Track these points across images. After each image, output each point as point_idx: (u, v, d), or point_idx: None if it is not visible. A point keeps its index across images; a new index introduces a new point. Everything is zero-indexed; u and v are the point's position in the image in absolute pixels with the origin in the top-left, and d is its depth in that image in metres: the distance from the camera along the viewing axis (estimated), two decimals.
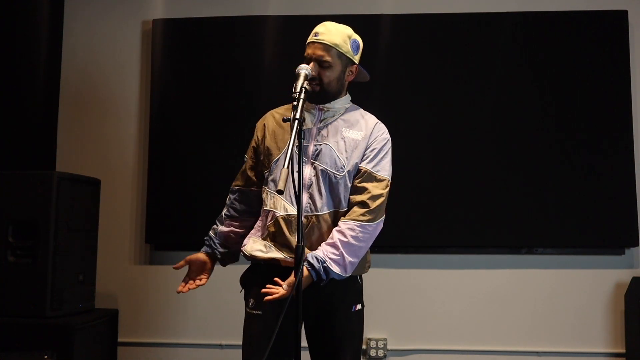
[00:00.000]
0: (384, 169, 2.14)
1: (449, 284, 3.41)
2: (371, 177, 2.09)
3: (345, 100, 2.20)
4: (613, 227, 3.30)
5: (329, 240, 2.02)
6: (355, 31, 2.32)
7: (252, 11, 3.55)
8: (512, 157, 3.37)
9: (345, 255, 2.00)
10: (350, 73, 2.19)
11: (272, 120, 2.22)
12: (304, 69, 2.00)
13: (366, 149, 2.13)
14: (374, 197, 2.06)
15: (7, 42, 3.45)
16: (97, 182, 3.24)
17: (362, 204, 2.05)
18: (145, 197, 3.53)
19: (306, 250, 2.03)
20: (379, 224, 2.08)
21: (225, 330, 3.41)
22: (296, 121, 1.79)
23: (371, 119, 2.21)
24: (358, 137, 2.13)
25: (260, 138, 2.22)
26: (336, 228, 2.04)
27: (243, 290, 2.18)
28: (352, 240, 2.00)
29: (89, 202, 3.17)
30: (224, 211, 2.29)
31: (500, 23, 3.44)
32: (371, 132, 2.16)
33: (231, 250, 2.28)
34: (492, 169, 3.38)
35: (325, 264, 1.98)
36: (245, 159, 2.28)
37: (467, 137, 3.40)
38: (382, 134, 2.18)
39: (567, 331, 3.35)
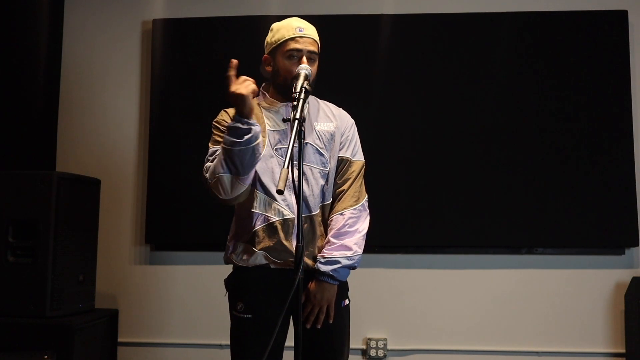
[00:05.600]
0: (359, 153, 2.21)
1: (449, 284, 3.41)
2: (350, 164, 2.16)
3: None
4: (613, 227, 3.30)
5: (325, 244, 2.09)
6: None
7: (252, 11, 3.55)
8: (512, 157, 3.37)
9: (344, 242, 2.06)
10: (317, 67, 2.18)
11: None
12: (304, 69, 2.00)
13: (341, 137, 2.17)
14: (354, 182, 2.14)
15: (7, 42, 3.45)
16: (97, 182, 3.24)
17: (345, 192, 2.12)
18: (145, 197, 3.53)
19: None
20: (363, 205, 2.14)
21: (225, 331, 3.36)
22: (296, 121, 1.78)
23: (333, 107, 2.25)
24: (331, 128, 2.15)
25: None
26: (328, 228, 2.11)
27: (227, 294, 2.16)
28: (344, 229, 2.07)
29: (89, 202, 3.17)
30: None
31: (500, 23, 3.44)
32: (340, 120, 2.20)
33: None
34: (492, 168, 3.38)
35: (328, 259, 2.03)
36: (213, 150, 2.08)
37: (467, 137, 3.40)
38: (348, 119, 2.24)
39: (567, 331, 3.35)
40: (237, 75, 1.91)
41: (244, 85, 1.87)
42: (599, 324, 3.35)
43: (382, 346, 3.37)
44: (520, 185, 3.35)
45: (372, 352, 3.37)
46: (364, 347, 3.38)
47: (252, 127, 1.89)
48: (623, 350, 3.30)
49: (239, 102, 1.87)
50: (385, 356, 3.39)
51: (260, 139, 1.94)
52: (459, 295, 3.40)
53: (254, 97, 1.93)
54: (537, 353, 3.35)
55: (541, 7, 3.47)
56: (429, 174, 3.39)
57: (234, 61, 1.88)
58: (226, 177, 1.96)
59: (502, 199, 3.35)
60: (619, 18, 3.41)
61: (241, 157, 1.90)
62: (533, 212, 3.33)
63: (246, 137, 1.88)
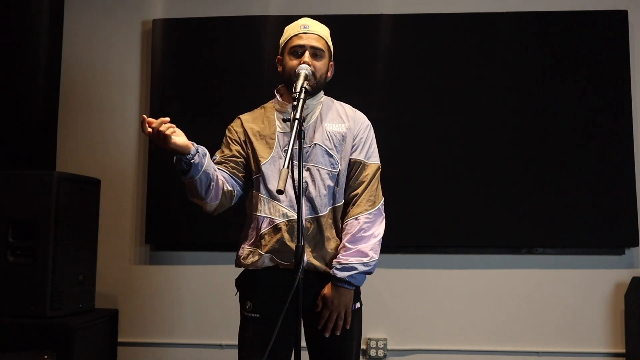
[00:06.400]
0: (374, 155, 2.18)
1: (449, 284, 3.41)
2: (364, 167, 2.14)
3: (321, 95, 2.21)
4: (613, 227, 3.30)
5: (340, 250, 2.08)
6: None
7: (252, 11, 3.55)
8: (512, 157, 3.38)
9: (360, 247, 2.04)
10: (330, 68, 2.19)
11: (250, 123, 2.20)
12: (304, 69, 2.00)
13: (353, 140, 2.15)
14: (369, 185, 2.11)
15: (7, 42, 3.45)
16: (97, 182, 3.24)
17: (359, 196, 2.10)
18: (145, 197, 3.53)
19: (311, 254, 2.05)
20: (379, 209, 2.12)
21: (225, 331, 3.40)
22: (296, 121, 1.78)
23: (348, 108, 2.24)
24: (342, 130, 2.14)
25: (241, 139, 2.18)
26: (342, 232, 2.09)
27: (238, 293, 2.17)
28: (359, 234, 2.05)
29: (89, 202, 3.17)
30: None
31: (500, 23, 3.45)
32: (354, 122, 2.18)
33: (203, 175, 2.00)
34: (492, 169, 3.38)
35: (345, 265, 2.02)
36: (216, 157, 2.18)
37: (467, 137, 3.40)
38: (364, 121, 2.21)
39: (567, 331, 3.35)
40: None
41: (162, 139, 1.89)
42: (599, 324, 3.35)
43: (382, 346, 3.37)
44: (520, 185, 3.35)
45: (372, 352, 3.37)
46: (364, 347, 3.37)
47: (190, 160, 1.95)
48: (623, 350, 3.30)
49: (172, 151, 1.92)
50: (385, 356, 3.39)
51: (204, 164, 1.98)
52: (459, 295, 3.40)
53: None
54: (537, 353, 3.35)
55: (541, 7, 3.47)
56: (428, 174, 3.39)
57: (144, 116, 1.91)
58: (197, 202, 2.09)
59: (502, 199, 3.35)
60: (619, 18, 3.41)
61: (195, 186, 2.01)
62: (533, 212, 3.33)
63: (189, 172, 1.97)
